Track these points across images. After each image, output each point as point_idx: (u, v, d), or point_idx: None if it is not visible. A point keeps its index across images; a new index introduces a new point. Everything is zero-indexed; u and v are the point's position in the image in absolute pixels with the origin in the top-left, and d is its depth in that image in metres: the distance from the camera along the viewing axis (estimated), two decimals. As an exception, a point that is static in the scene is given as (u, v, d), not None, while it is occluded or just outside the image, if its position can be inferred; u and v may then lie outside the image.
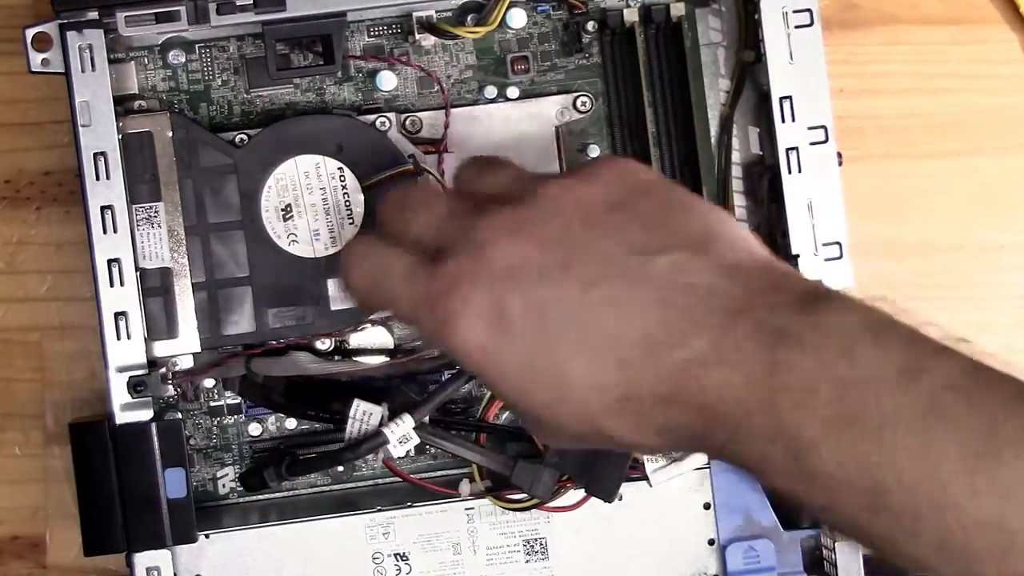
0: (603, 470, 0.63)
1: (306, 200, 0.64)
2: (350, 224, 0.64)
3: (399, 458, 0.66)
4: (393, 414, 0.63)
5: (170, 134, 0.64)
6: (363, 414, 0.64)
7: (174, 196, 0.64)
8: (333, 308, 0.64)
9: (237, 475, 0.68)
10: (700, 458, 0.65)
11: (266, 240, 0.64)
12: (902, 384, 0.41)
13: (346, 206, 0.64)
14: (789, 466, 0.43)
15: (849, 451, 0.41)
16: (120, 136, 0.62)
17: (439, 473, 0.69)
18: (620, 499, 0.65)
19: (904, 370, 0.41)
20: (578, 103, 0.67)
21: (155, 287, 0.63)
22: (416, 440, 0.63)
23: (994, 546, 0.40)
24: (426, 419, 0.64)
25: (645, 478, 0.65)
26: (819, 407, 0.42)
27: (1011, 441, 0.40)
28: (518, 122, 0.67)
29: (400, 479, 0.68)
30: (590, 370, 0.46)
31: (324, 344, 0.66)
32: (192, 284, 0.64)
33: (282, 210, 0.64)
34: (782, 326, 0.43)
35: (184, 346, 0.64)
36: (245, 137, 0.65)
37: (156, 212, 0.63)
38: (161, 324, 0.63)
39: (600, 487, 0.64)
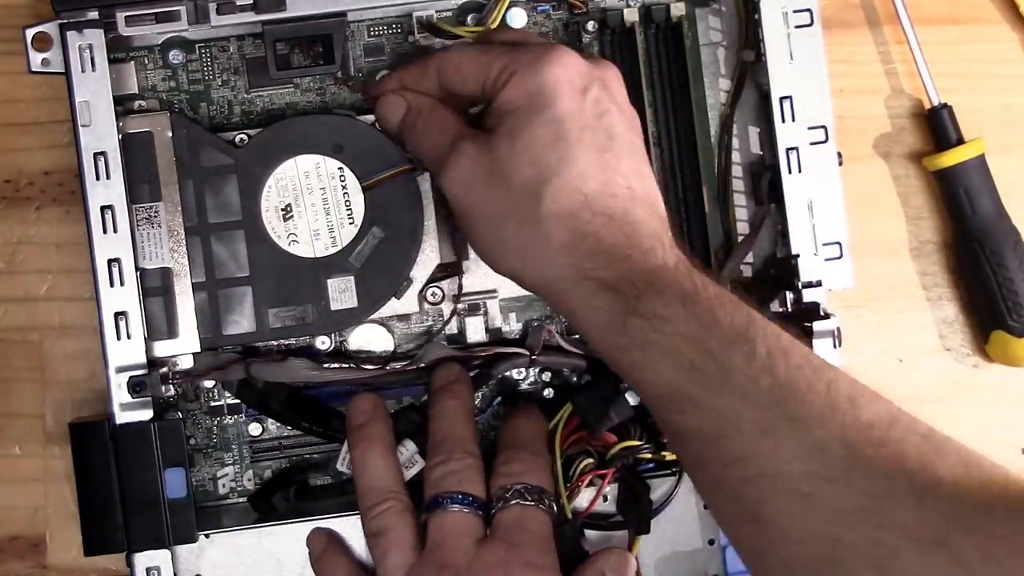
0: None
1: (306, 200, 0.64)
2: (350, 224, 0.64)
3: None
4: (396, 439, 0.64)
5: (170, 134, 0.64)
6: None
7: (174, 196, 0.64)
8: (333, 308, 0.64)
9: (247, 496, 0.68)
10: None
11: (266, 240, 0.64)
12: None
13: (346, 206, 0.64)
14: (682, 297, 0.56)
15: (735, 307, 0.56)
16: (120, 136, 0.62)
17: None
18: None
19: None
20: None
21: (155, 287, 0.63)
22: (422, 464, 0.63)
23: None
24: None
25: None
26: (721, 288, 0.57)
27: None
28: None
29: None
30: (590, 158, 0.58)
31: (324, 344, 0.66)
32: (192, 284, 0.64)
33: (282, 210, 0.64)
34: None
35: (184, 346, 0.64)
36: (245, 137, 0.65)
37: (156, 212, 0.63)
38: (161, 324, 0.63)
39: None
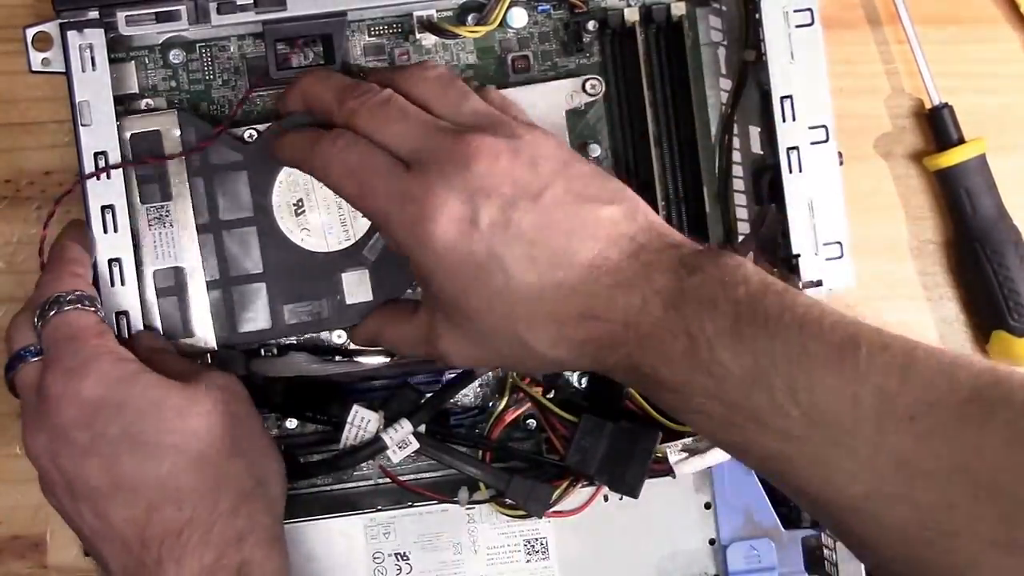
0: (626, 467, 0.63)
1: (317, 194, 0.64)
2: (362, 217, 0.64)
3: (399, 461, 0.66)
4: (392, 419, 0.64)
5: (178, 132, 0.63)
6: (361, 420, 0.64)
7: (184, 195, 0.63)
8: (348, 302, 0.64)
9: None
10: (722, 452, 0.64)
11: (279, 236, 0.64)
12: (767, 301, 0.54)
13: (358, 199, 0.64)
14: (687, 358, 0.54)
15: (738, 345, 0.53)
16: (128, 135, 0.62)
17: (440, 473, 0.69)
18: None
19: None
20: (587, 86, 0.66)
21: (169, 287, 0.63)
22: (415, 445, 0.63)
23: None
24: (422, 427, 0.64)
25: (669, 472, 0.64)
26: (717, 317, 0.53)
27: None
28: (528, 106, 0.65)
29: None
30: (534, 284, 0.56)
31: (340, 338, 0.66)
32: (206, 282, 0.64)
33: (294, 205, 0.64)
34: (690, 263, 0.55)
35: (200, 345, 0.63)
36: (254, 133, 0.64)
37: (167, 211, 0.63)
38: (176, 323, 0.63)
39: (625, 484, 0.64)
